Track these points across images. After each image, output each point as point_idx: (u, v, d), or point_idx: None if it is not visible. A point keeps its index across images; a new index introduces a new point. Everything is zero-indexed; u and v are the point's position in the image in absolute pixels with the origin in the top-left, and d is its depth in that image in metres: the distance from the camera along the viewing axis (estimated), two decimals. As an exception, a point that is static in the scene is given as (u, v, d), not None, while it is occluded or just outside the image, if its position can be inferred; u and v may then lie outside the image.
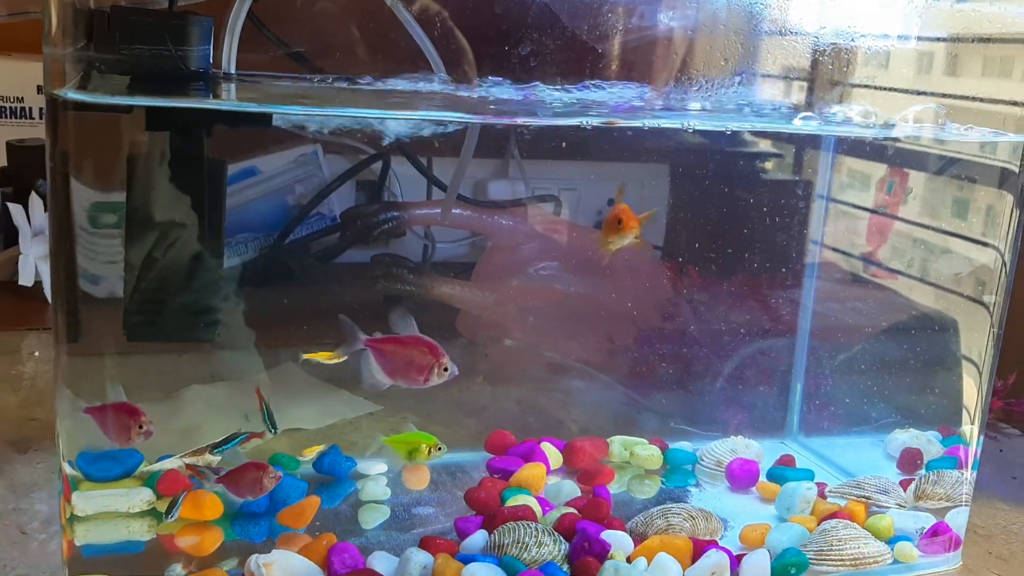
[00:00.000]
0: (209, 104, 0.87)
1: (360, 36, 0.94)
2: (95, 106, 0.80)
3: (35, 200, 1.34)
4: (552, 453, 1.07)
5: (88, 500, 0.86)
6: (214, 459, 0.90)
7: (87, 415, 0.82)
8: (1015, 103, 0.98)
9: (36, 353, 1.39)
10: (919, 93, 1.01)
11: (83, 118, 0.79)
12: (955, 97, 1.00)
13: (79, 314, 0.83)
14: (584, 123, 0.90)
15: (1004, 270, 0.99)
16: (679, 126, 0.97)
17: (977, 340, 1.02)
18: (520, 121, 0.97)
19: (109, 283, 0.86)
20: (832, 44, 0.98)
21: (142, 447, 0.88)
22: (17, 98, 1.82)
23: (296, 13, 0.95)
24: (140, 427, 0.82)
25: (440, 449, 0.91)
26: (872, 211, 1.18)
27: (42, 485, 1.00)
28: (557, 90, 0.90)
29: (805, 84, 1.02)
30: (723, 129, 1.03)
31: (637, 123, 0.94)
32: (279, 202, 1.13)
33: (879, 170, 1.16)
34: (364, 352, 0.87)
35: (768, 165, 1.20)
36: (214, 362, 1.00)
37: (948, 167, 1.10)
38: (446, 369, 0.86)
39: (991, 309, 1.00)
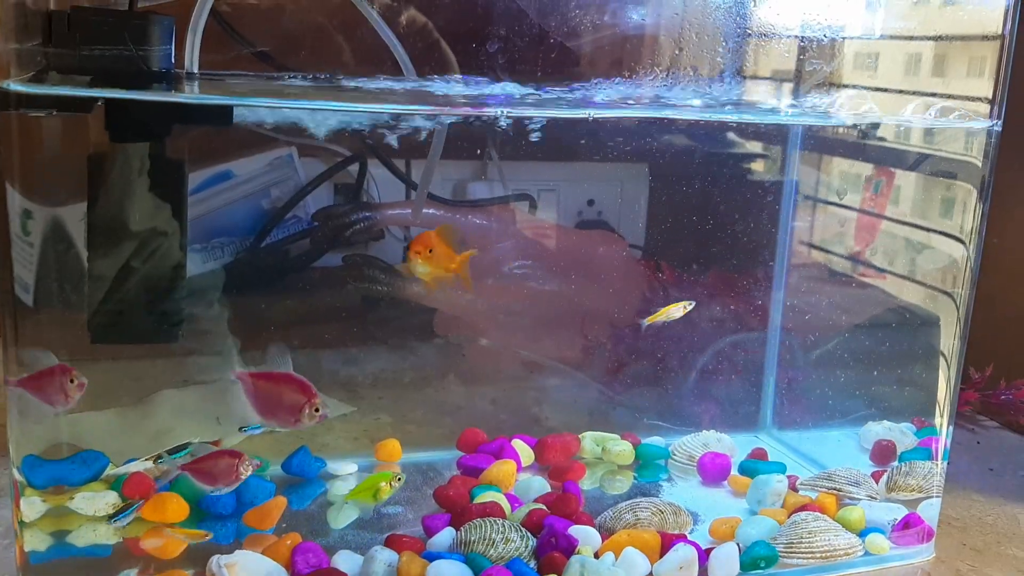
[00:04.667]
0: (160, 97, 0.86)
1: (326, 35, 0.94)
2: (48, 104, 0.80)
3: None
4: (524, 450, 1.07)
5: (44, 506, 0.85)
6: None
7: (18, 388, 0.80)
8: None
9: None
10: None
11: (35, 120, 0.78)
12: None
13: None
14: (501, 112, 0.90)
15: (969, 263, 0.99)
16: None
17: (945, 332, 1.02)
18: (464, 110, 0.95)
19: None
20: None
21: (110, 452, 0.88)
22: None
23: (261, 12, 0.95)
24: (72, 380, 0.80)
25: (400, 479, 0.89)
26: (838, 204, 1.18)
27: (6, 491, 0.99)
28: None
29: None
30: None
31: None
32: (254, 206, 1.13)
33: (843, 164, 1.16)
34: (235, 385, 0.83)
35: (741, 163, 1.20)
36: (188, 365, 0.99)
37: (919, 163, 1.10)
38: (317, 410, 0.82)
39: (957, 302, 1.00)
